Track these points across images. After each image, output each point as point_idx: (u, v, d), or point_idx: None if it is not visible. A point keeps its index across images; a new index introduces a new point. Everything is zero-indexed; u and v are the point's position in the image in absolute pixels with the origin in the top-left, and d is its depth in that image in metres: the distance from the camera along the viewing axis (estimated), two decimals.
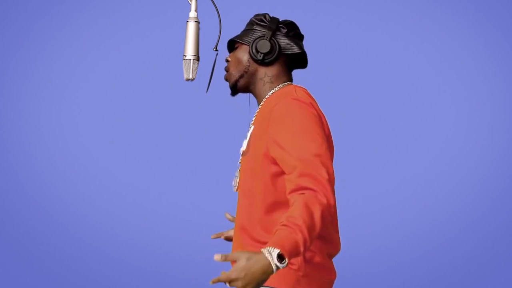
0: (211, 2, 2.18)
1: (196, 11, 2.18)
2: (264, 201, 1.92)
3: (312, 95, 2.05)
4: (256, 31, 2.07)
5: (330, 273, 1.96)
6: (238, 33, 2.14)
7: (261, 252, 1.61)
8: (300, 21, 2.14)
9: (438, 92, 4.06)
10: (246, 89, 2.11)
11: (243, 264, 1.59)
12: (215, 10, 2.18)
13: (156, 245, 3.99)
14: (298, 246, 1.64)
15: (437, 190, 4.00)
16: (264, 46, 2.03)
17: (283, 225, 1.66)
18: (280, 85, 2.06)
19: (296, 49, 2.06)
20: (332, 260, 2.00)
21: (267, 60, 2.04)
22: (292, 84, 2.07)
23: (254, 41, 2.04)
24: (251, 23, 2.10)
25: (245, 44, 2.08)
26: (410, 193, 3.99)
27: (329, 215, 1.73)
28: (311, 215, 1.68)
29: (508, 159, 4.00)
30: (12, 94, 4.10)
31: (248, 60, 2.07)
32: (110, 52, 4.11)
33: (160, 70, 4.01)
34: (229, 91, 2.13)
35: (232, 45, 2.14)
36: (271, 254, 1.60)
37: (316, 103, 2.00)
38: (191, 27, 2.17)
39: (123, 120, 4.09)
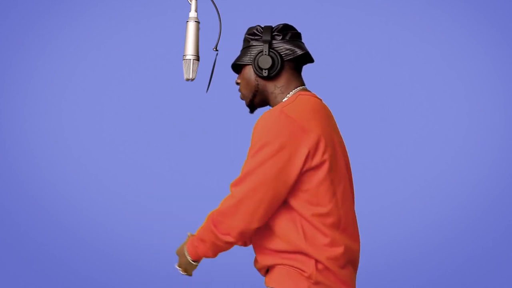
0: (211, 2, 2.18)
1: (196, 11, 2.18)
2: None
3: (320, 98, 2.05)
4: (253, 47, 2.06)
5: (343, 284, 1.98)
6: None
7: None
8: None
9: (438, 92, 4.06)
10: (263, 104, 2.12)
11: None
12: (215, 10, 2.18)
13: (156, 245, 3.99)
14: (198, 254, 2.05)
15: (437, 190, 4.00)
16: (265, 61, 2.03)
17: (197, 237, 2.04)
18: (291, 92, 2.05)
19: (298, 52, 2.04)
20: (351, 268, 2.03)
21: (272, 74, 2.04)
22: (301, 90, 2.06)
23: (254, 59, 2.04)
24: (246, 41, 2.09)
25: (249, 64, 2.07)
26: (410, 193, 3.99)
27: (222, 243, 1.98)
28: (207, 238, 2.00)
29: (508, 159, 4.00)
30: (12, 94, 4.10)
31: (255, 79, 2.07)
32: (110, 52, 4.11)
33: (160, 70, 4.01)
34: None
35: (238, 67, 2.13)
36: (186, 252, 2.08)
37: (313, 114, 1.97)
38: (191, 27, 2.17)
39: (123, 120, 4.09)
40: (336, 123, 2.12)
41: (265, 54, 2.03)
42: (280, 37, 2.05)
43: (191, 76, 2.15)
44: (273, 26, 2.08)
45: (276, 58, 2.03)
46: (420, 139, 4.04)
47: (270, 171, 1.88)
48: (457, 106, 4.04)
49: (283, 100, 2.04)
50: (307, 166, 1.91)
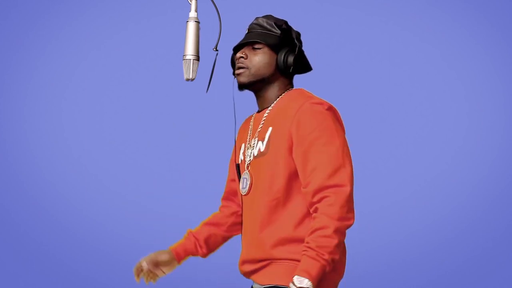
0: (211, 2, 2.18)
1: (196, 11, 2.18)
2: (290, 197, 1.97)
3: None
4: (283, 40, 2.08)
5: (339, 274, 2.00)
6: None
7: None
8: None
9: (438, 92, 4.06)
10: (256, 89, 2.11)
11: None
12: (215, 10, 2.18)
13: (156, 245, 3.99)
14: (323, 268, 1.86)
15: (437, 190, 4.00)
16: (297, 63, 2.08)
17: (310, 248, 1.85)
18: (287, 90, 2.10)
19: (308, 67, 2.14)
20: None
21: (291, 73, 2.10)
22: (299, 88, 2.12)
23: (285, 54, 2.06)
24: (272, 26, 2.09)
25: (273, 52, 2.07)
26: (410, 193, 3.99)
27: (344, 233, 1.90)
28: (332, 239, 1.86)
29: (508, 159, 4.00)
30: (12, 94, 4.10)
31: (274, 69, 2.08)
32: (110, 52, 4.11)
33: (160, 70, 4.01)
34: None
35: (249, 43, 2.11)
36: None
37: None
38: (191, 27, 2.17)
39: (123, 120, 4.09)
40: None
41: (297, 56, 2.07)
42: (301, 45, 2.12)
43: (191, 76, 2.15)
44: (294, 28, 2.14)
45: (302, 63, 2.11)
46: (420, 139, 4.04)
47: (349, 155, 1.96)
48: (457, 106, 4.04)
49: (282, 95, 2.07)
50: None
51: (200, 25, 2.18)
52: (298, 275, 1.82)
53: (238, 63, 2.09)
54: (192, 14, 2.18)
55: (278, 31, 2.08)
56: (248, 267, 2.03)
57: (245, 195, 2.08)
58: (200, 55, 2.16)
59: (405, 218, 3.98)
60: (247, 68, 2.07)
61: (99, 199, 4.05)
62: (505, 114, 4.02)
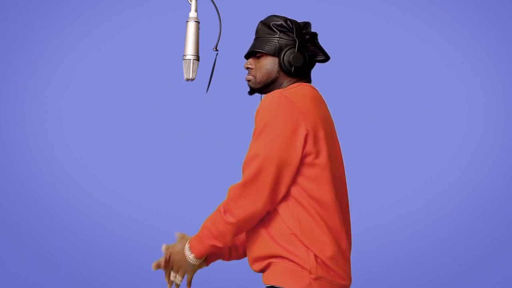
0: (211, 2, 2.18)
1: (196, 11, 2.19)
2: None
3: (320, 93, 2.06)
4: (281, 40, 2.06)
5: (343, 278, 1.98)
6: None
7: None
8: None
9: (438, 92, 4.06)
10: (267, 91, 2.10)
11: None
12: (215, 10, 2.18)
13: (156, 245, 3.98)
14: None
15: (437, 190, 4.00)
16: (298, 60, 2.03)
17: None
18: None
19: (321, 57, 2.08)
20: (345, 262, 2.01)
21: (298, 71, 2.05)
22: (301, 82, 2.07)
23: (283, 53, 2.04)
24: (271, 29, 2.07)
25: (274, 56, 2.06)
26: (410, 193, 3.99)
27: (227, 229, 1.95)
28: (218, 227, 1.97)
29: (508, 159, 4.00)
30: (12, 94, 4.11)
31: (277, 72, 2.07)
32: (110, 52, 4.11)
33: (160, 70, 4.01)
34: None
35: (253, 52, 2.11)
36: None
37: (312, 101, 1.98)
38: (191, 27, 2.17)
39: (123, 120, 4.09)
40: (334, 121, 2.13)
41: (297, 52, 2.03)
42: (308, 37, 2.08)
43: (191, 76, 2.15)
44: (299, 22, 2.09)
45: (306, 58, 2.05)
46: (420, 139, 4.04)
47: (273, 152, 1.89)
48: (457, 106, 4.04)
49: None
50: (307, 149, 1.91)
51: (200, 25, 2.18)
52: (189, 245, 2.05)
53: (247, 73, 2.12)
54: (192, 14, 2.18)
55: (276, 33, 2.06)
56: (256, 267, 2.04)
57: None
58: (200, 55, 2.16)
59: (405, 218, 3.98)
60: (254, 77, 2.09)
61: (99, 199, 4.05)
62: (505, 114, 4.02)
